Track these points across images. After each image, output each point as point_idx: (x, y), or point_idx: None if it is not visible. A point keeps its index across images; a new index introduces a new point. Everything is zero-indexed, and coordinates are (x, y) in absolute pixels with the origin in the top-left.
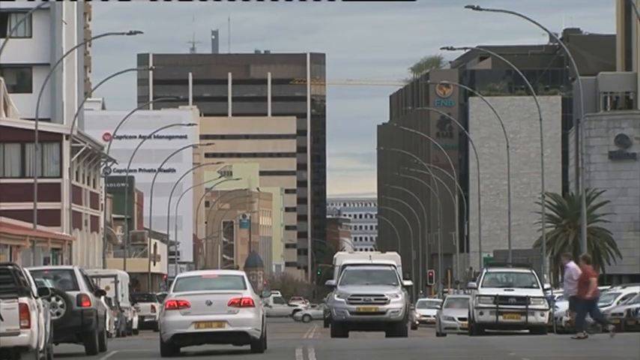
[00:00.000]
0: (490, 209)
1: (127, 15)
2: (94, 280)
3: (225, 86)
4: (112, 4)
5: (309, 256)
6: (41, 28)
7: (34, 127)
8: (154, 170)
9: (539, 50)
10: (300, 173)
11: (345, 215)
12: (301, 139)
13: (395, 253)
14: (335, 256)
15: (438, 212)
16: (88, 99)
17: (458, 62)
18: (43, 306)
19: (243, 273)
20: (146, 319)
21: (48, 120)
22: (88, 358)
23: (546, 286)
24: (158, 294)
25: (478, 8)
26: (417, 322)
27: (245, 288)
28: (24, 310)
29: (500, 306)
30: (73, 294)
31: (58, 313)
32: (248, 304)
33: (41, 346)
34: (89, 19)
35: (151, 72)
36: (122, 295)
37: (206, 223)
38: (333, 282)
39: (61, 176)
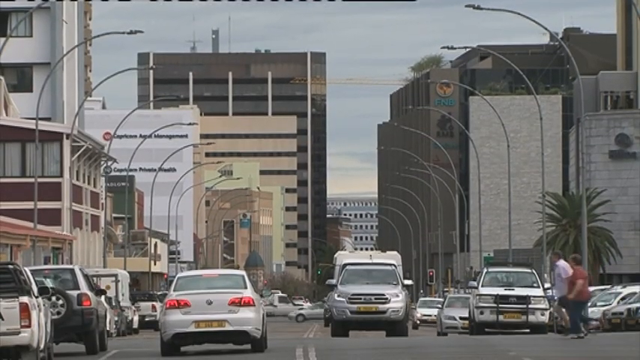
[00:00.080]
0: (490, 208)
1: (127, 14)
2: (95, 279)
3: (225, 85)
4: (113, 4)
5: (310, 255)
6: (42, 28)
7: (34, 127)
8: (155, 169)
9: (540, 49)
10: (301, 172)
11: (345, 214)
12: (302, 139)
13: (395, 253)
14: (335, 255)
15: (439, 212)
16: (89, 98)
17: (458, 61)
18: (44, 305)
19: (243, 272)
20: (146, 319)
21: (48, 119)
22: (88, 358)
23: (547, 285)
24: (158, 293)
25: (478, 7)
26: (418, 322)
27: (245, 287)
28: (24, 310)
29: (500, 305)
30: (74, 293)
31: (58, 313)
32: (248, 304)
33: (42, 346)
34: (89, 19)
35: (151, 71)
36: (122, 295)
37: (206, 222)
38: (334, 281)
39: (61, 175)
